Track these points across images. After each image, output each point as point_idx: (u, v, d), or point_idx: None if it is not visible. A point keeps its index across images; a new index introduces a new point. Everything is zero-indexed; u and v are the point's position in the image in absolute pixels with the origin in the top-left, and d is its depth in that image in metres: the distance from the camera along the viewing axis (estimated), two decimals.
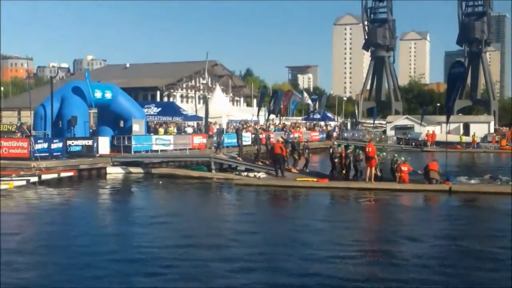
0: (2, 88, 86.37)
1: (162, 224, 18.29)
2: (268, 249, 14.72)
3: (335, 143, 33.57)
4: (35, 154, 29.57)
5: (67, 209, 22.33)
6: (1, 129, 36.25)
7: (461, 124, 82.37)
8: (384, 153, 31.92)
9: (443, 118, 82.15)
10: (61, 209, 21.96)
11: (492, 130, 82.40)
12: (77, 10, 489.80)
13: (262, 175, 31.23)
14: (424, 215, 21.36)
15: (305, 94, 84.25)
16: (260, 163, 33.44)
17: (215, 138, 38.01)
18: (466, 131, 78.06)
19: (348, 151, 29.55)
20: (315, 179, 29.11)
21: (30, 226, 18.27)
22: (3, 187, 24.87)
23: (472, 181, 28.00)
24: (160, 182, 30.07)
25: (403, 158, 29.29)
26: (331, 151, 30.65)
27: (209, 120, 50.09)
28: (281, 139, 33.41)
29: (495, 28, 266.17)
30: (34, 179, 26.95)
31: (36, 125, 35.82)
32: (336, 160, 29.43)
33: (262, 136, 37.24)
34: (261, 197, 26.30)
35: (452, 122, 78.83)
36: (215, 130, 46.90)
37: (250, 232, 16.93)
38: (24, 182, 26.35)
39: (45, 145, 31.10)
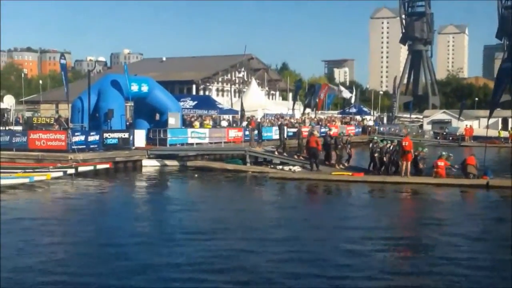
0: (40, 82, 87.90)
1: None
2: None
3: (375, 138, 32.96)
4: (73, 147, 29.95)
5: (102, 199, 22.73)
6: (40, 122, 36.88)
7: (500, 119, 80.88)
8: (426, 149, 31.42)
9: (481, 112, 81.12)
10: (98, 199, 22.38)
11: None
12: (114, 4, 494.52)
13: (297, 168, 31.13)
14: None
15: (341, 87, 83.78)
16: (301, 157, 33.22)
17: (256, 132, 38.06)
18: (505, 126, 76.63)
19: (388, 145, 29.21)
20: (350, 173, 28.89)
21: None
22: (40, 178, 25.21)
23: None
24: (196, 175, 30.20)
25: (445, 153, 28.88)
26: (371, 145, 30.25)
27: (246, 113, 50.24)
28: (316, 133, 33.31)
29: None
30: (71, 170, 27.28)
31: (74, 118, 36.25)
32: (376, 155, 29.10)
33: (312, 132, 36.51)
34: (296, 191, 26.26)
35: (492, 116, 77.54)
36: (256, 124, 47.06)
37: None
38: (61, 174, 26.69)
39: (82, 138, 31.47)
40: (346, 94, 79.59)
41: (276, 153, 34.07)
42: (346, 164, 31.20)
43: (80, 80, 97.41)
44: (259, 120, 47.21)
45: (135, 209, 20.14)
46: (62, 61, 36.71)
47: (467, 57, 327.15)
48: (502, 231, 16.47)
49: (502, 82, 31.38)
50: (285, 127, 39.66)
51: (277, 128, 40.61)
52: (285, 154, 34.08)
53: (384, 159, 28.72)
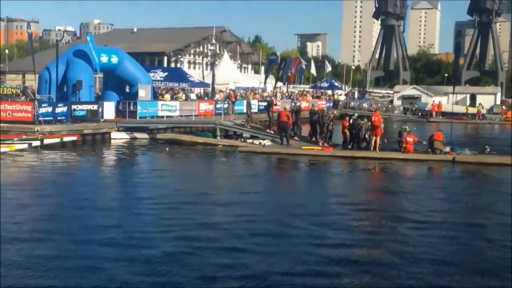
0: (7, 51, 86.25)
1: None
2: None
3: (356, 114, 32.63)
4: (39, 118, 29.52)
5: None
6: (5, 92, 36.24)
7: (468, 95, 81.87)
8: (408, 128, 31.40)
9: (450, 88, 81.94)
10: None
11: (498, 102, 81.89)
12: None
13: (267, 142, 31.18)
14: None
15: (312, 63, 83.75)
16: (272, 131, 33.34)
17: (247, 111, 37.69)
18: (473, 102, 77.62)
19: (361, 122, 29.20)
20: (320, 148, 29.02)
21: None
22: (3, 149, 24.83)
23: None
24: (167, 148, 30.05)
25: (407, 128, 29.09)
26: (351, 121, 29.97)
27: (217, 87, 50.01)
28: (287, 107, 33.32)
29: None
30: (36, 143, 26.92)
31: (41, 89, 35.64)
32: (353, 131, 29.03)
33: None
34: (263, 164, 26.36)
35: (459, 93, 78.45)
36: (223, 97, 46.89)
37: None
38: (25, 146, 26.33)
39: (49, 109, 31.00)
40: (313, 70, 79.68)
41: (247, 126, 34.10)
42: (329, 142, 30.74)
43: (48, 50, 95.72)
44: (249, 99, 46.02)
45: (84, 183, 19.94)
46: (29, 30, 36.08)
47: (439, 33, 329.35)
48: None
49: (456, 56, 31.90)
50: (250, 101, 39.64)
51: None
52: (247, 126, 34.31)
53: (366, 136, 28.70)
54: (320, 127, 30.93)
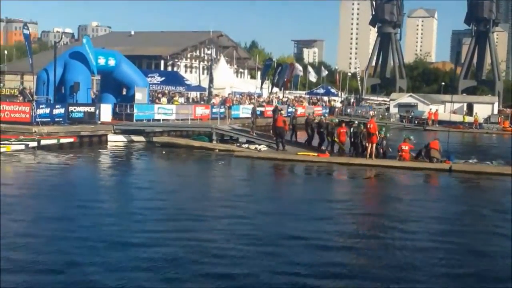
0: (5, 52, 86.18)
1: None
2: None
3: (357, 122, 32.36)
4: (37, 119, 29.53)
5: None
6: (4, 93, 36.21)
7: (465, 104, 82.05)
8: (388, 134, 31.49)
9: (447, 97, 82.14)
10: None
11: (495, 111, 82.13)
12: None
13: (263, 147, 31.21)
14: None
15: (310, 69, 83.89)
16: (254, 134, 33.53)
17: (251, 118, 37.29)
18: (470, 111, 77.80)
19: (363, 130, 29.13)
20: (316, 154, 29.06)
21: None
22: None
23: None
24: (163, 152, 30.04)
25: (412, 137, 29.22)
26: (352, 130, 29.91)
27: (214, 91, 50.02)
28: (283, 112, 33.38)
29: (504, 8, 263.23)
30: (33, 144, 26.93)
31: (39, 90, 35.64)
32: (356, 140, 28.86)
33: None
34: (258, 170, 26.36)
35: (456, 102, 78.65)
36: (218, 101, 46.93)
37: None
38: (22, 147, 26.33)
39: (47, 111, 31.04)
40: (312, 77, 79.87)
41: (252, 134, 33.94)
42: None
43: (46, 51, 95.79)
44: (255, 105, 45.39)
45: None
46: (25, 31, 35.93)
47: (435, 42, 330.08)
48: None
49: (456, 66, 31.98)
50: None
51: (244, 106, 40.50)
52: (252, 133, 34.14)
53: (364, 143, 28.70)
54: (326, 136, 30.62)
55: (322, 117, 35.93)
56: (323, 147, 30.31)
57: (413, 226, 14.89)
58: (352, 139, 29.28)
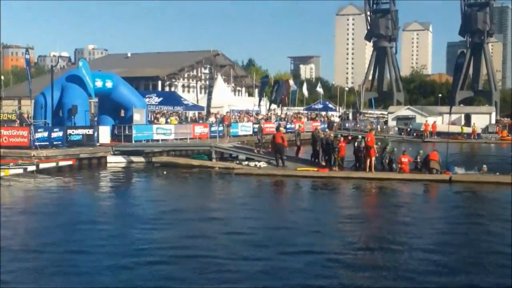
0: (2, 77, 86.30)
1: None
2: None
3: (360, 137, 31.94)
4: (35, 143, 29.54)
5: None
6: (1, 118, 36.22)
7: (463, 115, 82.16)
8: (395, 148, 31.13)
9: (444, 108, 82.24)
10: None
11: (493, 121, 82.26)
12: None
13: (262, 164, 31.20)
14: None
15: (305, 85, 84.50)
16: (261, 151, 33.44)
17: (258, 136, 37.29)
18: (468, 122, 77.89)
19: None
20: (315, 169, 29.06)
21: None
22: None
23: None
24: (164, 172, 30.00)
25: (421, 151, 29.38)
26: (356, 144, 29.63)
27: (212, 110, 50.10)
28: (282, 129, 33.43)
29: (498, 19, 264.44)
30: (31, 167, 26.91)
31: (36, 114, 35.76)
32: (360, 155, 28.71)
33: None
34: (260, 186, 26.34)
35: (454, 113, 78.65)
36: (216, 119, 46.99)
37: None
38: (20, 171, 26.32)
39: (45, 134, 31.06)
40: (305, 90, 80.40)
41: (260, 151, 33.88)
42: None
43: (43, 75, 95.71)
44: (262, 123, 45.08)
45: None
46: (27, 56, 36.18)
47: (431, 54, 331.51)
48: None
49: (457, 77, 32.16)
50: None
51: (243, 124, 40.50)
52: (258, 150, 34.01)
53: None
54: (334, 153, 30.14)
55: (331, 133, 35.59)
56: (322, 162, 30.34)
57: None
58: (358, 154, 29.09)
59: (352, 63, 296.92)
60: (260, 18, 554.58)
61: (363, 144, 28.58)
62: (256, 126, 46.47)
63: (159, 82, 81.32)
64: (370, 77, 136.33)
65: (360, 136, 33.10)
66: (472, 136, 66.20)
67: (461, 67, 32.06)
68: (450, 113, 36.80)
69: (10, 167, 26.21)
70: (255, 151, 33.80)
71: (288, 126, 53.50)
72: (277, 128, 34.13)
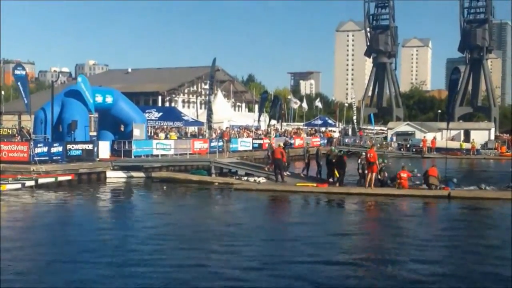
0: (3, 92, 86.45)
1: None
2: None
3: (364, 154, 31.90)
4: (35, 158, 29.54)
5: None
6: (1, 133, 36.26)
7: (462, 131, 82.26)
8: (386, 161, 31.37)
9: (443, 124, 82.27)
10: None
11: (492, 137, 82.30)
12: (79, 14, 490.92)
13: (262, 180, 31.20)
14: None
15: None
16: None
17: (267, 152, 37.16)
18: (467, 138, 77.94)
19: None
20: (314, 184, 29.08)
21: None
22: None
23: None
24: (164, 187, 30.00)
25: (410, 165, 29.40)
26: (359, 161, 29.63)
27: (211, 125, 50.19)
28: (282, 145, 33.46)
29: (497, 35, 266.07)
30: (30, 182, 26.89)
31: (36, 129, 35.81)
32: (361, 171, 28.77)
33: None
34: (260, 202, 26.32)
35: (453, 128, 78.92)
36: (217, 134, 47.08)
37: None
38: (19, 186, 26.28)
39: (45, 149, 31.05)
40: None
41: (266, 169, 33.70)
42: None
43: (43, 91, 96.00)
44: (271, 140, 44.97)
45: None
46: (18, 72, 35.65)
47: (430, 70, 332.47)
48: None
49: (452, 93, 32.45)
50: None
51: (242, 139, 40.55)
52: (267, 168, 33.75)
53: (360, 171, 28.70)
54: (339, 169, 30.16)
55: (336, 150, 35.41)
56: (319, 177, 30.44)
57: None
58: (361, 170, 29.05)
59: (352, 79, 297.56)
60: (260, 34, 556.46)
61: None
62: (257, 141, 46.79)
63: (159, 98, 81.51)
64: (370, 93, 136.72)
65: (364, 153, 33.08)
66: (471, 152, 66.21)
67: (456, 82, 32.26)
68: (447, 128, 36.85)
69: (9, 182, 26.20)
70: (266, 168, 33.43)
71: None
72: (285, 144, 34.13)
